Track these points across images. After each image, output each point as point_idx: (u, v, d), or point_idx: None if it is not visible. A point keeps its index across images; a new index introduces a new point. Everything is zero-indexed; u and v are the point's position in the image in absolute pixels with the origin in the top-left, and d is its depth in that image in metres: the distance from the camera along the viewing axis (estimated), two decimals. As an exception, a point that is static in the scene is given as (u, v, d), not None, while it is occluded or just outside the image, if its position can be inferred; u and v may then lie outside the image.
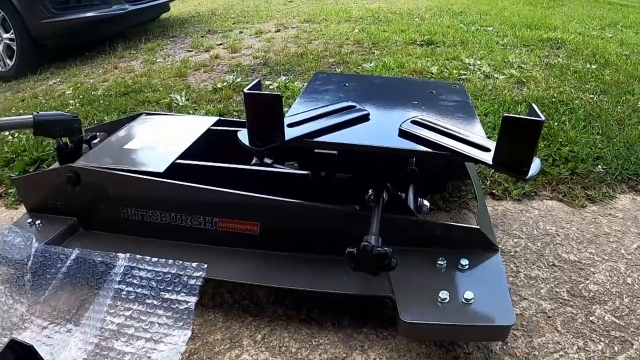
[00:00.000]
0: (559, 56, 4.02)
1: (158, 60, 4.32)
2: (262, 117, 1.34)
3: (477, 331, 1.31)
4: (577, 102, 3.00)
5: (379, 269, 1.29)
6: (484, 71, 3.58)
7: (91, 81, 3.91)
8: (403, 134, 1.44)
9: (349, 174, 1.61)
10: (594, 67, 3.73)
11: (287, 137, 1.37)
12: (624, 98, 3.11)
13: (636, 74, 3.60)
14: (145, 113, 2.23)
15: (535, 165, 1.28)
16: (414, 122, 1.48)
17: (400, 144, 1.40)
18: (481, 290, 1.37)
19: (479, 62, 3.76)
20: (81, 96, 3.51)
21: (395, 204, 1.53)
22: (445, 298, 1.33)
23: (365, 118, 1.53)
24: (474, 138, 1.41)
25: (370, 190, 1.50)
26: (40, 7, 4.37)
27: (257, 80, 1.40)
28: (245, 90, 1.33)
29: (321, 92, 1.77)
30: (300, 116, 1.50)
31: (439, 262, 1.46)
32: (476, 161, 1.33)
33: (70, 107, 3.29)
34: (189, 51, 4.59)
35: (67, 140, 1.85)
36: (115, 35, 5.20)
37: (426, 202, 1.70)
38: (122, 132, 2.00)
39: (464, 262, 1.45)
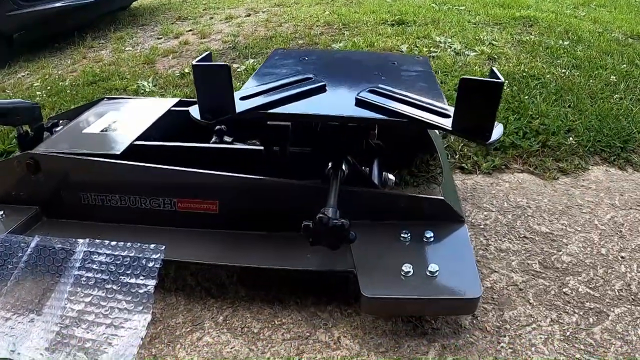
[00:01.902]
0: (531, 34, 3.98)
1: (127, 49, 4.23)
2: (212, 89, 1.28)
3: (443, 305, 1.27)
4: (548, 76, 2.96)
5: (337, 242, 1.24)
6: (454, 48, 3.53)
7: (59, 72, 3.82)
8: (360, 102, 1.38)
9: (308, 147, 1.56)
10: (566, 43, 3.69)
11: (238, 110, 1.31)
12: (597, 72, 3.08)
13: (609, 49, 3.57)
14: (107, 98, 2.17)
15: (498, 130, 1.24)
16: (372, 91, 1.42)
17: (357, 113, 1.35)
18: (447, 263, 1.32)
19: (449, 40, 3.71)
20: (49, 87, 3.43)
21: (356, 177, 1.49)
22: (409, 271, 1.28)
23: (321, 89, 1.47)
24: (434, 105, 1.36)
25: (329, 164, 1.45)
26: (6, -1, 4.25)
27: (207, 52, 1.35)
28: (194, 62, 1.28)
29: (278, 67, 1.71)
30: (253, 89, 1.44)
31: (402, 235, 1.41)
32: (435, 127, 1.28)
33: (37, 98, 3.20)
34: (158, 38, 4.50)
35: (28, 128, 1.80)
36: (85, 26, 5.08)
37: (391, 176, 1.65)
38: (82, 118, 1.94)
39: (429, 234, 1.41)
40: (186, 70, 3.41)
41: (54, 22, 4.61)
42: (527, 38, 3.82)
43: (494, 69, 1.23)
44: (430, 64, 1.85)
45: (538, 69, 3.09)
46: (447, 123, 1.26)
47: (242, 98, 1.38)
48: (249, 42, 3.98)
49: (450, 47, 3.57)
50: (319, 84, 1.48)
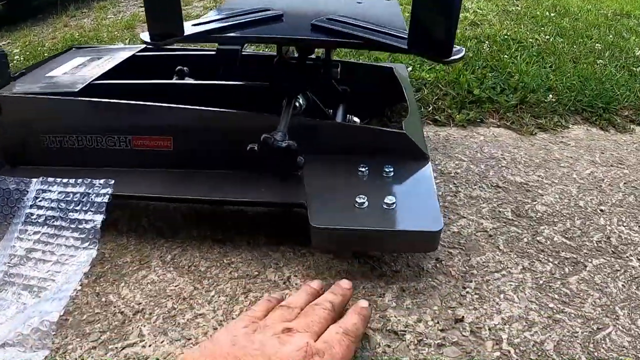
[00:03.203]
0: (517, 5, 3.93)
1: (109, 17, 4.19)
2: (160, 9, 1.20)
3: (399, 239, 1.17)
4: (530, 40, 2.90)
5: (284, 167, 1.17)
6: (438, 15, 3.48)
7: (40, 39, 3.77)
8: (316, 28, 1.30)
9: (267, 82, 1.50)
10: (552, 15, 3.65)
11: (187, 32, 1.24)
12: (581, 41, 3.02)
13: (596, 22, 3.52)
14: (75, 47, 2.10)
15: (459, 50, 1.16)
16: (329, 19, 1.35)
17: (310, 36, 1.28)
18: (405, 197, 1.24)
19: (433, 8, 3.66)
20: (27, 52, 3.36)
21: (315, 112, 1.42)
22: (364, 202, 1.19)
23: (277, 18, 1.39)
24: (393, 31, 1.29)
25: (285, 98, 1.38)
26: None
27: None
28: None
29: (240, 4, 1.63)
30: (207, 19, 1.37)
31: (360, 169, 1.32)
32: (389, 48, 1.21)
33: (15, 61, 3.14)
34: (141, 7, 4.45)
35: None
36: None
37: (356, 119, 1.58)
38: (48, 64, 1.89)
39: (388, 169, 1.32)
40: (163, 34, 3.34)
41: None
42: (513, 8, 3.77)
43: None
44: (399, 7, 1.77)
45: (521, 34, 3.03)
46: (402, 43, 1.19)
47: (195, 25, 1.31)
48: (229, 8, 3.93)
49: (433, 14, 3.50)
50: (276, 13, 1.40)
